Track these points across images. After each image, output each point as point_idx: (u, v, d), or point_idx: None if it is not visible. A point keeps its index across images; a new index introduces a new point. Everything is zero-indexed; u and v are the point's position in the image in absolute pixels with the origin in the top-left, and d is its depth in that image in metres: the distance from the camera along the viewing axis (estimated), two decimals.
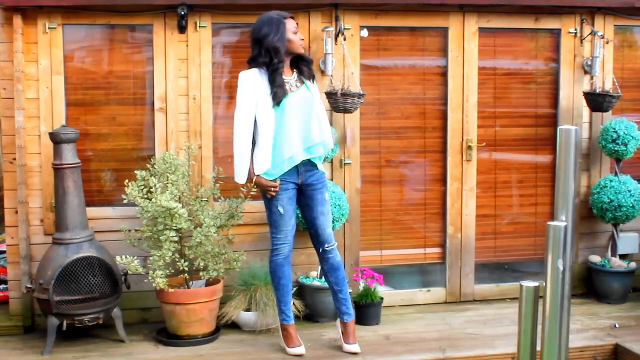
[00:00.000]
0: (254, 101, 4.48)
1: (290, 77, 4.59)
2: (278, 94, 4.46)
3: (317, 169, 4.68)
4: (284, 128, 4.51)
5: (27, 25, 5.17)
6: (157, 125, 5.39)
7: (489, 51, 5.91)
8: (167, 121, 5.39)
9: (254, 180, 4.56)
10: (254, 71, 4.51)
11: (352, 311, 4.81)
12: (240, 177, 4.56)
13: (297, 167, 4.59)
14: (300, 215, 4.97)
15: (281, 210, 4.59)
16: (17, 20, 5.11)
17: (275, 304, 4.96)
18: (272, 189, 4.53)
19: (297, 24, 4.61)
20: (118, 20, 5.32)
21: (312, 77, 4.68)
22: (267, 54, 4.46)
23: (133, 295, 5.32)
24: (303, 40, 4.61)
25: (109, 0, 5.19)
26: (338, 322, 4.86)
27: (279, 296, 4.78)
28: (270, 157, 4.52)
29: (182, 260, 5.03)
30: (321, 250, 4.74)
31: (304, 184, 4.64)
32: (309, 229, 4.78)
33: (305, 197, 4.69)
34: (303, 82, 4.63)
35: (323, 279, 5.47)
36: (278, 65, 4.47)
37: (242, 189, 5.13)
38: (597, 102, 5.79)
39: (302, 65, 4.63)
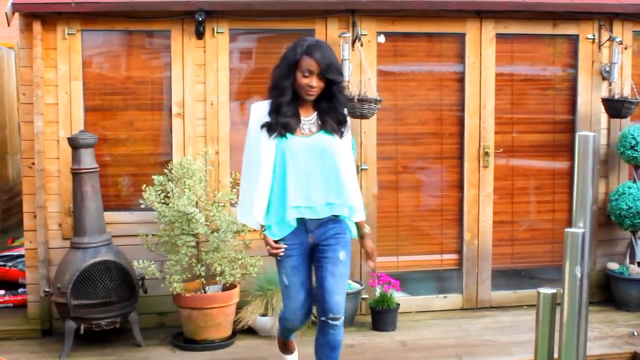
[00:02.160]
0: (256, 134, 3.76)
1: (307, 117, 3.77)
2: (270, 126, 3.70)
3: (336, 222, 3.81)
4: (284, 178, 3.71)
5: (46, 31, 5.21)
6: (175, 131, 5.41)
7: (506, 57, 5.89)
8: (184, 126, 5.41)
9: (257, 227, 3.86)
10: (264, 103, 3.80)
11: None
12: (245, 219, 3.93)
13: (305, 223, 3.77)
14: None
15: (285, 280, 3.82)
16: (37, 26, 5.15)
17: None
18: (271, 249, 3.77)
19: (319, 63, 3.62)
20: (136, 26, 5.35)
21: (336, 132, 3.77)
22: (276, 88, 3.74)
23: (150, 300, 5.34)
24: (313, 87, 3.66)
25: (127, 6, 5.22)
26: None
27: (280, 332, 4.22)
28: (264, 208, 3.76)
29: (199, 265, 5.04)
30: (322, 319, 3.76)
31: (315, 242, 3.80)
32: (316, 289, 3.87)
33: (317, 252, 3.82)
34: (323, 129, 3.76)
35: None
36: (279, 101, 3.70)
37: None
38: (615, 108, 5.76)
39: (327, 116, 3.76)
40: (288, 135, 3.69)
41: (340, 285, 3.78)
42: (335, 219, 3.79)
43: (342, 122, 3.78)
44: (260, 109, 3.78)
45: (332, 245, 3.78)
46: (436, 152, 5.88)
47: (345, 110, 3.82)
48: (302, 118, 3.74)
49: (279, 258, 3.78)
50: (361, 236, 3.89)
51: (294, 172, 3.69)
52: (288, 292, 3.83)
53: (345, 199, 3.76)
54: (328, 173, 3.74)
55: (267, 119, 3.71)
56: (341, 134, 3.78)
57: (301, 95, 3.70)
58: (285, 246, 3.74)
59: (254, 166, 3.75)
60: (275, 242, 3.75)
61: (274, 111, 3.70)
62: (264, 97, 5.65)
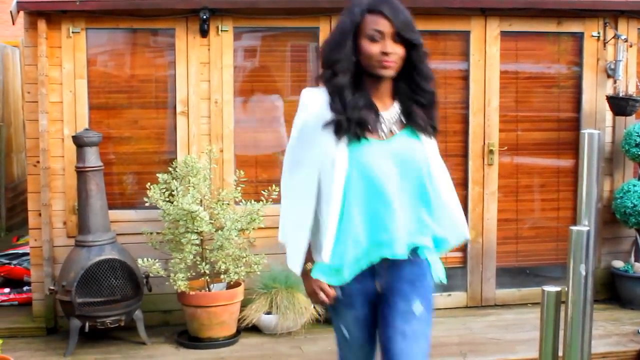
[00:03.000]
0: (312, 136, 2.63)
1: (386, 110, 2.66)
2: (339, 125, 2.56)
3: (414, 262, 2.69)
4: (358, 199, 2.60)
5: (50, 30, 5.22)
6: (179, 129, 5.42)
7: (511, 55, 5.88)
8: (188, 124, 5.41)
9: (300, 272, 2.73)
10: (321, 91, 2.65)
11: None
12: (292, 262, 2.72)
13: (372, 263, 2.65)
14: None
15: (344, 332, 2.80)
16: (41, 25, 5.15)
17: (296, 307, 4.95)
18: (323, 297, 2.67)
19: (391, 21, 2.57)
20: (140, 24, 5.35)
21: (425, 129, 2.72)
22: (327, 66, 2.65)
23: (154, 298, 5.34)
24: (389, 54, 2.56)
25: (131, 5, 5.22)
26: None
27: None
28: (332, 241, 2.60)
29: (203, 263, 5.04)
30: None
31: (383, 289, 2.73)
32: (382, 355, 2.80)
33: (383, 302, 2.74)
34: (407, 126, 2.69)
35: None
36: (335, 84, 2.59)
37: (262, 192, 5.14)
38: (620, 105, 5.75)
39: (411, 103, 2.68)
40: (366, 138, 2.59)
41: (415, 351, 2.72)
42: (413, 258, 2.67)
43: (432, 111, 2.72)
44: (316, 98, 2.63)
45: (406, 293, 2.71)
46: (440, 150, 5.78)
47: (434, 91, 2.73)
48: (383, 113, 2.65)
49: (335, 307, 2.74)
50: None
51: (371, 192, 2.59)
52: (348, 346, 2.84)
53: (437, 232, 2.72)
54: (414, 195, 2.65)
55: (329, 113, 2.57)
56: (433, 131, 2.74)
57: (374, 71, 2.59)
58: (336, 294, 2.67)
59: (310, 182, 2.62)
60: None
61: (337, 100, 2.58)
62: (269, 94, 5.76)
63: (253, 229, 5.15)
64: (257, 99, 5.68)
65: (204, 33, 5.35)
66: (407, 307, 2.71)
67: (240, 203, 5.24)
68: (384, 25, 2.57)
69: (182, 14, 5.34)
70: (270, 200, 5.11)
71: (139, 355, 4.93)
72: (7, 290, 5.95)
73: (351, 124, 2.55)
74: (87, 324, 4.89)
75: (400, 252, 2.60)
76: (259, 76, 5.66)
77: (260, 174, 5.62)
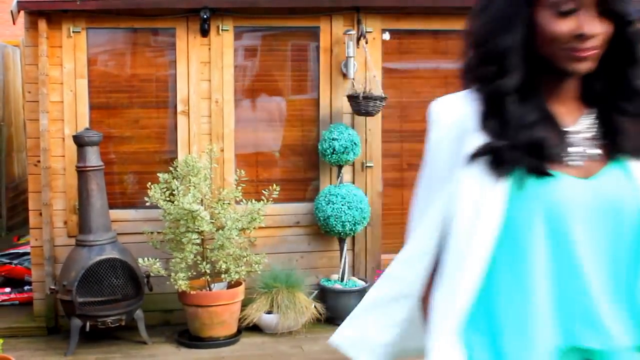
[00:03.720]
0: (447, 166, 1.67)
1: (573, 124, 1.54)
2: (499, 156, 1.50)
3: None
4: (525, 276, 1.48)
5: (51, 29, 5.22)
6: (180, 128, 5.42)
7: None
8: (189, 124, 5.41)
9: None
10: (458, 100, 1.71)
11: None
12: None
13: None
14: (320, 213, 4.64)
15: None
16: (42, 24, 5.15)
17: (297, 307, 4.95)
18: None
19: None
20: (141, 24, 5.35)
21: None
22: (486, 57, 1.59)
23: (155, 297, 5.34)
24: (588, 39, 1.44)
25: (132, 4, 5.22)
26: None
27: None
28: (459, 324, 1.51)
29: (204, 263, 5.04)
30: None
31: None
32: None
33: None
34: (613, 156, 1.52)
35: (344, 281, 5.47)
36: (503, 86, 1.53)
37: (263, 191, 5.14)
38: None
39: (619, 115, 1.53)
40: (550, 174, 1.49)
41: None
42: None
43: None
44: (455, 110, 1.70)
45: None
46: None
47: None
48: (570, 127, 1.55)
49: None
50: None
51: (557, 257, 1.49)
52: None
53: None
54: (626, 267, 1.52)
55: (479, 132, 1.55)
56: None
57: (560, 64, 1.50)
58: None
59: (431, 222, 1.66)
60: None
61: (493, 113, 1.55)
62: (269, 94, 5.77)
63: (254, 228, 5.14)
64: (258, 99, 5.69)
65: (205, 32, 5.35)
66: None
67: (241, 202, 5.24)
68: None
69: (182, 14, 5.34)
70: (271, 199, 5.10)
71: (140, 354, 4.93)
72: (7, 289, 5.95)
73: (517, 152, 1.50)
74: (87, 324, 4.89)
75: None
76: (259, 76, 5.66)
77: (261, 174, 5.62)
